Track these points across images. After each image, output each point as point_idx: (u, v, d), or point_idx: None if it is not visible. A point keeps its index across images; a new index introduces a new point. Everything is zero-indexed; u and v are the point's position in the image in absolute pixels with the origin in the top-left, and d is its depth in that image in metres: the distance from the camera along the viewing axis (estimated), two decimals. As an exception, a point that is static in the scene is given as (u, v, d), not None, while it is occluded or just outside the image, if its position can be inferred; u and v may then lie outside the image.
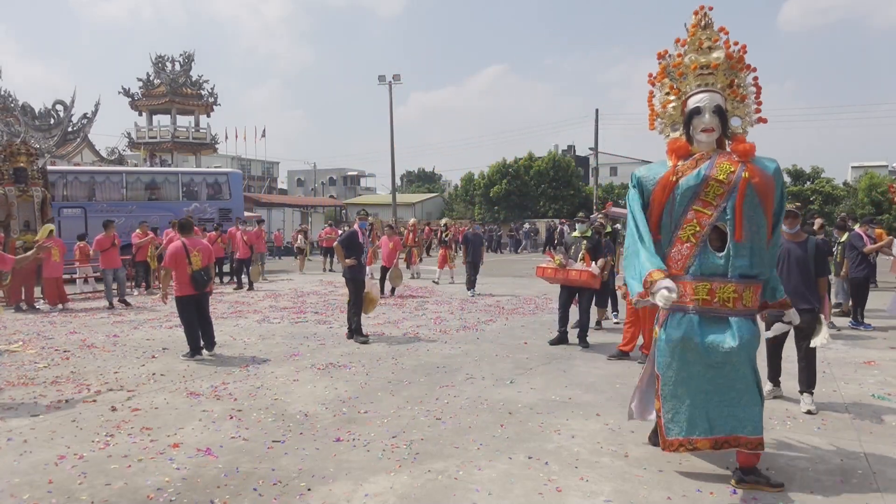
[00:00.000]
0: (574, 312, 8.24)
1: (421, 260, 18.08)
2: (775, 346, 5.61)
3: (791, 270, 5.36)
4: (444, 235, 16.75)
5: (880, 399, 5.66)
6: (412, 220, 19.33)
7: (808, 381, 5.32)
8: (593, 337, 8.37)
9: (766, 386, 5.59)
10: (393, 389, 6.04)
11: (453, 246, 17.38)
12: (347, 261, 8.47)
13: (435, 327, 9.52)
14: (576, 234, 8.39)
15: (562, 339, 8.03)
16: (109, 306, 11.74)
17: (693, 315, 3.74)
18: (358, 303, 8.53)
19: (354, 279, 8.56)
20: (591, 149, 39.66)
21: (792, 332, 5.28)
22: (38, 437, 4.71)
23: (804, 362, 5.35)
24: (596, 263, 7.78)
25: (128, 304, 11.97)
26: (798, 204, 6.45)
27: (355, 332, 8.40)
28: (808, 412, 5.18)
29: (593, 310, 9.48)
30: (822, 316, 5.29)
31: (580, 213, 9.13)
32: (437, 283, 15.84)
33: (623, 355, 7.27)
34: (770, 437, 4.70)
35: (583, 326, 7.98)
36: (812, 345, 5.08)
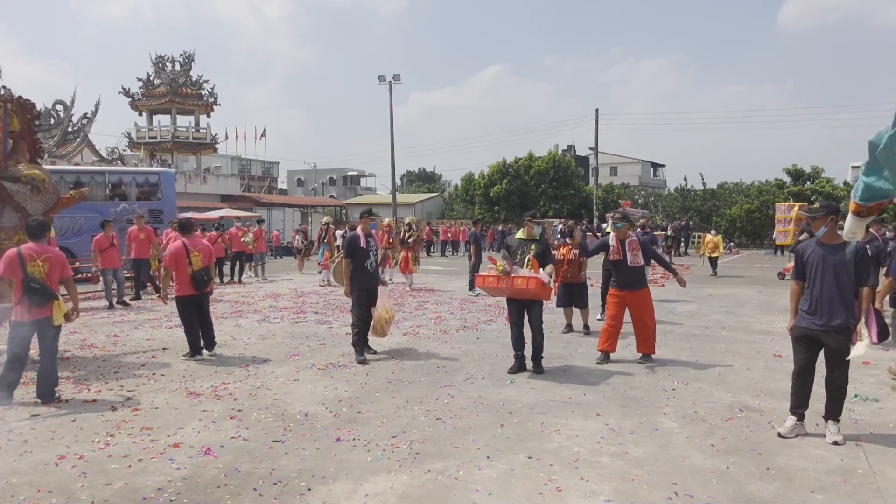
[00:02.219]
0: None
1: (396, 264, 15.64)
2: (809, 367, 4.74)
3: (825, 279, 4.57)
4: (406, 236, 14.67)
5: (862, 400, 5.63)
6: (387, 221, 16.24)
7: (834, 409, 4.62)
8: (588, 341, 8.33)
9: (788, 422, 4.75)
10: (393, 389, 6.04)
11: (417, 248, 15.13)
12: (345, 288, 7.48)
13: (435, 327, 9.52)
14: (520, 235, 6.89)
15: (521, 367, 6.69)
16: (109, 307, 11.72)
17: None
18: (360, 316, 7.42)
19: (357, 289, 7.40)
20: (591, 149, 39.65)
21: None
22: (38, 437, 4.72)
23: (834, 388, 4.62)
24: (545, 270, 6.52)
25: (127, 305, 11.97)
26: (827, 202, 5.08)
27: (355, 346, 7.39)
28: (835, 443, 4.50)
29: (579, 318, 9.28)
30: (858, 332, 4.57)
31: (528, 213, 7.36)
32: (409, 287, 14.64)
33: (606, 356, 7.10)
34: (770, 436, 4.71)
35: (537, 347, 6.66)
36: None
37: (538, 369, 6.64)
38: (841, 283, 4.50)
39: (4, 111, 7.27)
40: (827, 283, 4.53)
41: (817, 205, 4.90)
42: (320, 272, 16.61)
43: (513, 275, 6.43)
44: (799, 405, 4.73)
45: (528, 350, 6.76)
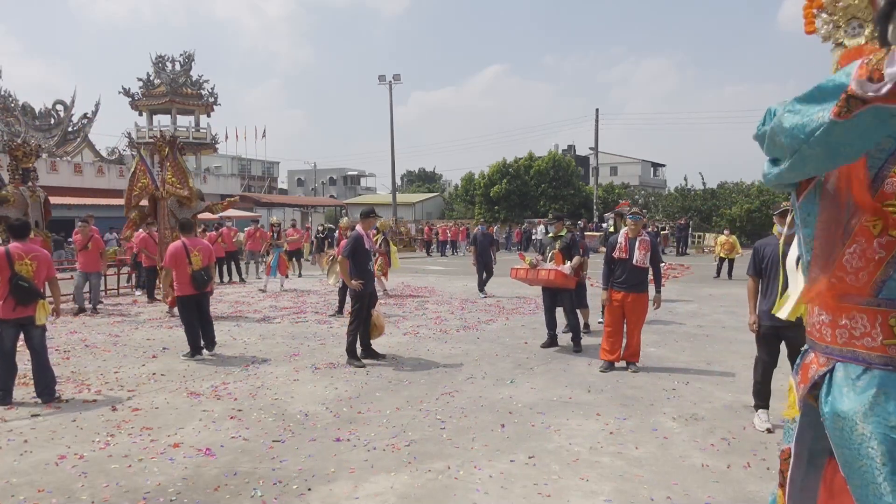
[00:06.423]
0: (561, 316, 8.02)
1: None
2: (772, 362, 5.07)
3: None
4: (378, 242, 12.86)
5: None
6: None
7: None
8: (587, 341, 8.32)
9: (761, 416, 4.99)
10: (393, 389, 6.04)
11: (389, 251, 13.69)
12: (354, 282, 7.14)
13: (435, 327, 9.52)
14: (550, 235, 8.22)
15: (552, 342, 7.96)
16: (94, 311, 11.13)
17: (882, 371, 1.94)
18: (361, 319, 7.27)
19: (359, 293, 7.20)
20: (591, 148, 39.67)
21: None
22: (38, 437, 4.72)
23: None
24: (570, 263, 7.61)
25: (97, 312, 11.15)
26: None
27: (349, 352, 7.20)
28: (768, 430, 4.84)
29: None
30: None
31: (549, 214, 9.00)
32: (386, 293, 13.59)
33: (610, 366, 6.89)
34: (770, 436, 4.71)
35: (572, 328, 7.89)
36: None
37: (577, 348, 7.76)
38: None
39: (173, 149, 10.97)
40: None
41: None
42: (281, 277, 14.90)
43: (539, 267, 7.70)
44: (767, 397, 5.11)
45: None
